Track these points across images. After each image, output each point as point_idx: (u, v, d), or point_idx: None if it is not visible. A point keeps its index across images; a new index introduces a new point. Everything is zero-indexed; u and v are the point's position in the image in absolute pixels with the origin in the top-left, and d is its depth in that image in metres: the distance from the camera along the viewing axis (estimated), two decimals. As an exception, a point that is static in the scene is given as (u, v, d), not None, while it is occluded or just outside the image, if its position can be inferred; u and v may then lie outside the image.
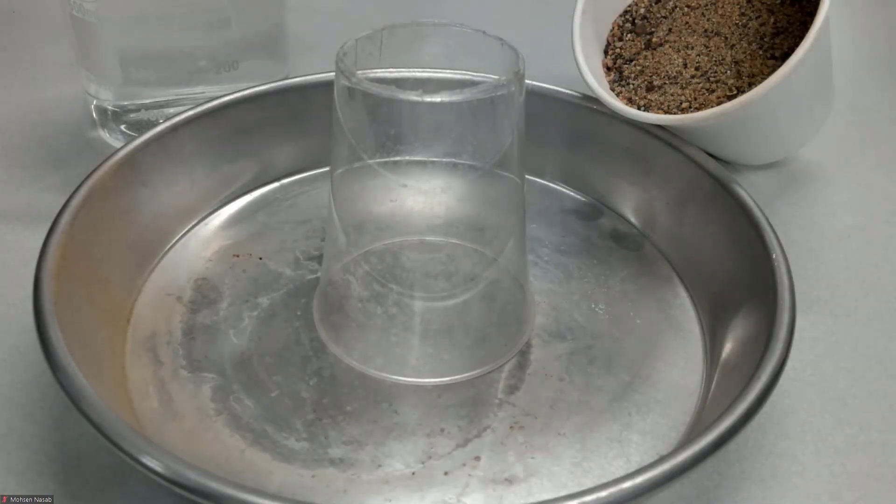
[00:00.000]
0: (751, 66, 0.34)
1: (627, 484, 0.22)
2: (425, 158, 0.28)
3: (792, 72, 0.31)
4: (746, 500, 0.27)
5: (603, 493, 0.21)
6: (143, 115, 0.39)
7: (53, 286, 0.26)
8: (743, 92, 0.34)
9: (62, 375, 0.24)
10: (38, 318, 0.25)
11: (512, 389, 0.29)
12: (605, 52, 0.38)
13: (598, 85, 0.35)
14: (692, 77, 0.35)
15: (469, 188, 0.30)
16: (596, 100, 0.35)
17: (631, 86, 0.36)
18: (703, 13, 0.37)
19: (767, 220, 0.31)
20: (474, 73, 0.32)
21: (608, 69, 0.37)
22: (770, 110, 0.33)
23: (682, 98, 0.35)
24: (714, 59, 0.35)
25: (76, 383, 0.23)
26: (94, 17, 0.35)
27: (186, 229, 0.35)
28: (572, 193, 0.38)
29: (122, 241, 0.31)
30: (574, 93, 0.37)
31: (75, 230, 0.29)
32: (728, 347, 0.29)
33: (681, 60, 0.36)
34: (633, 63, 0.37)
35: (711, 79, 0.35)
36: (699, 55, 0.36)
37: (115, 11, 0.36)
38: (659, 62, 0.36)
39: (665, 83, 0.36)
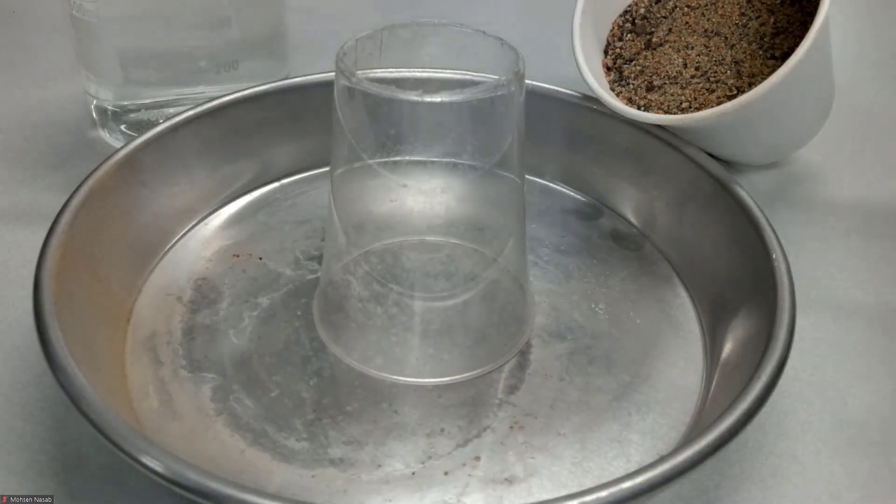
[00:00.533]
0: (751, 66, 0.34)
1: (627, 484, 0.22)
2: (425, 158, 0.28)
3: (792, 72, 0.31)
4: (746, 500, 0.27)
5: (603, 493, 0.21)
6: (143, 115, 0.39)
7: (53, 286, 0.26)
8: (743, 92, 0.34)
9: (62, 375, 0.24)
10: (38, 318, 0.25)
11: (512, 389, 0.29)
12: (605, 52, 0.38)
13: (598, 85, 0.35)
14: (692, 77, 0.35)
15: (469, 188, 0.30)
16: (596, 100, 0.35)
17: (631, 86, 0.36)
18: (703, 13, 0.37)
19: (767, 220, 0.31)
20: (474, 73, 0.32)
21: (608, 69, 0.37)
22: (770, 110, 0.33)
23: (682, 98, 0.35)
24: (714, 59, 0.35)
25: (76, 383, 0.23)
26: (94, 17, 0.35)
27: (186, 229, 0.35)
28: (572, 193, 0.38)
29: (122, 241, 0.31)
30: (574, 93, 0.37)
31: (75, 230, 0.29)
32: (728, 347, 0.29)
33: (681, 60, 0.36)
34: (633, 63, 0.37)
35: (711, 79, 0.35)
36: (699, 55, 0.36)
37: (115, 11, 0.36)
38: (659, 62, 0.36)
39: (665, 83, 0.36)
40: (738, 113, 0.32)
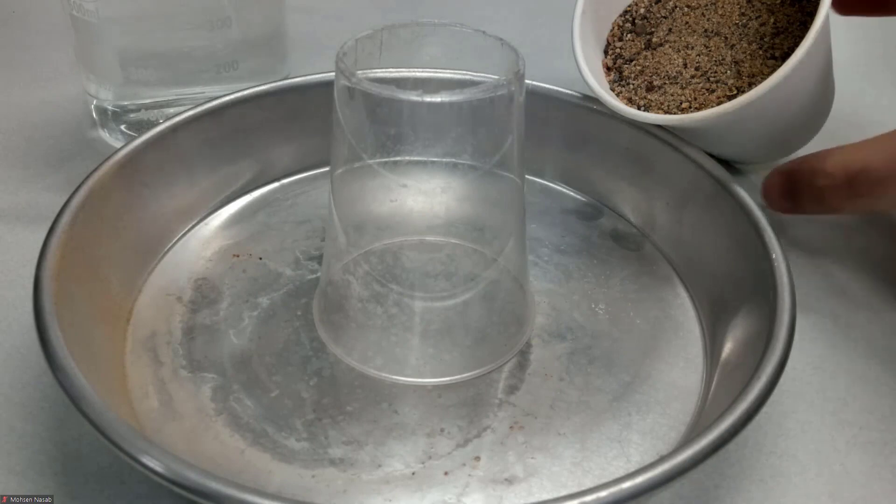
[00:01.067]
0: (751, 66, 0.34)
1: (627, 484, 0.22)
2: (425, 158, 0.28)
3: (792, 72, 0.31)
4: (746, 500, 0.27)
5: (603, 493, 0.21)
6: (143, 115, 0.39)
7: (53, 286, 0.26)
8: (743, 92, 0.34)
9: (62, 375, 0.24)
10: (38, 318, 0.25)
11: (512, 389, 0.29)
12: (605, 52, 0.38)
13: (598, 85, 0.35)
14: (692, 77, 0.35)
15: (469, 188, 0.30)
16: (596, 100, 0.35)
17: (631, 86, 0.36)
18: (703, 13, 0.37)
19: (767, 220, 0.31)
20: (474, 73, 0.32)
21: (608, 69, 0.37)
22: (770, 110, 0.33)
23: (682, 98, 0.35)
24: (714, 59, 0.35)
25: (76, 383, 0.23)
26: (94, 17, 0.35)
27: (186, 229, 0.35)
28: (572, 193, 0.38)
29: (122, 241, 0.31)
30: (574, 93, 0.37)
31: (75, 230, 0.29)
32: (728, 347, 0.29)
33: (681, 60, 0.36)
34: (633, 63, 0.37)
35: (711, 79, 0.35)
36: (699, 55, 0.36)
37: (115, 11, 0.36)
38: (659, 62, 0.36)
39: (665, 83, 0.36)
40: (738, 113, 0.32)
